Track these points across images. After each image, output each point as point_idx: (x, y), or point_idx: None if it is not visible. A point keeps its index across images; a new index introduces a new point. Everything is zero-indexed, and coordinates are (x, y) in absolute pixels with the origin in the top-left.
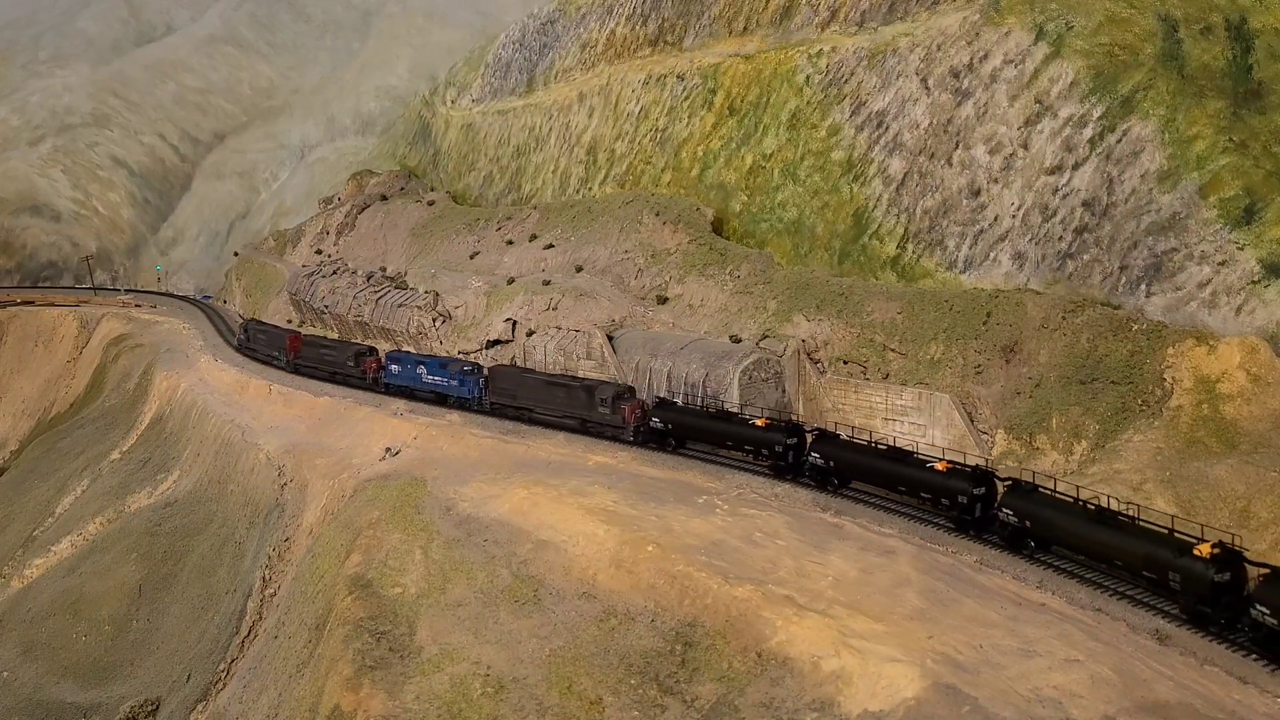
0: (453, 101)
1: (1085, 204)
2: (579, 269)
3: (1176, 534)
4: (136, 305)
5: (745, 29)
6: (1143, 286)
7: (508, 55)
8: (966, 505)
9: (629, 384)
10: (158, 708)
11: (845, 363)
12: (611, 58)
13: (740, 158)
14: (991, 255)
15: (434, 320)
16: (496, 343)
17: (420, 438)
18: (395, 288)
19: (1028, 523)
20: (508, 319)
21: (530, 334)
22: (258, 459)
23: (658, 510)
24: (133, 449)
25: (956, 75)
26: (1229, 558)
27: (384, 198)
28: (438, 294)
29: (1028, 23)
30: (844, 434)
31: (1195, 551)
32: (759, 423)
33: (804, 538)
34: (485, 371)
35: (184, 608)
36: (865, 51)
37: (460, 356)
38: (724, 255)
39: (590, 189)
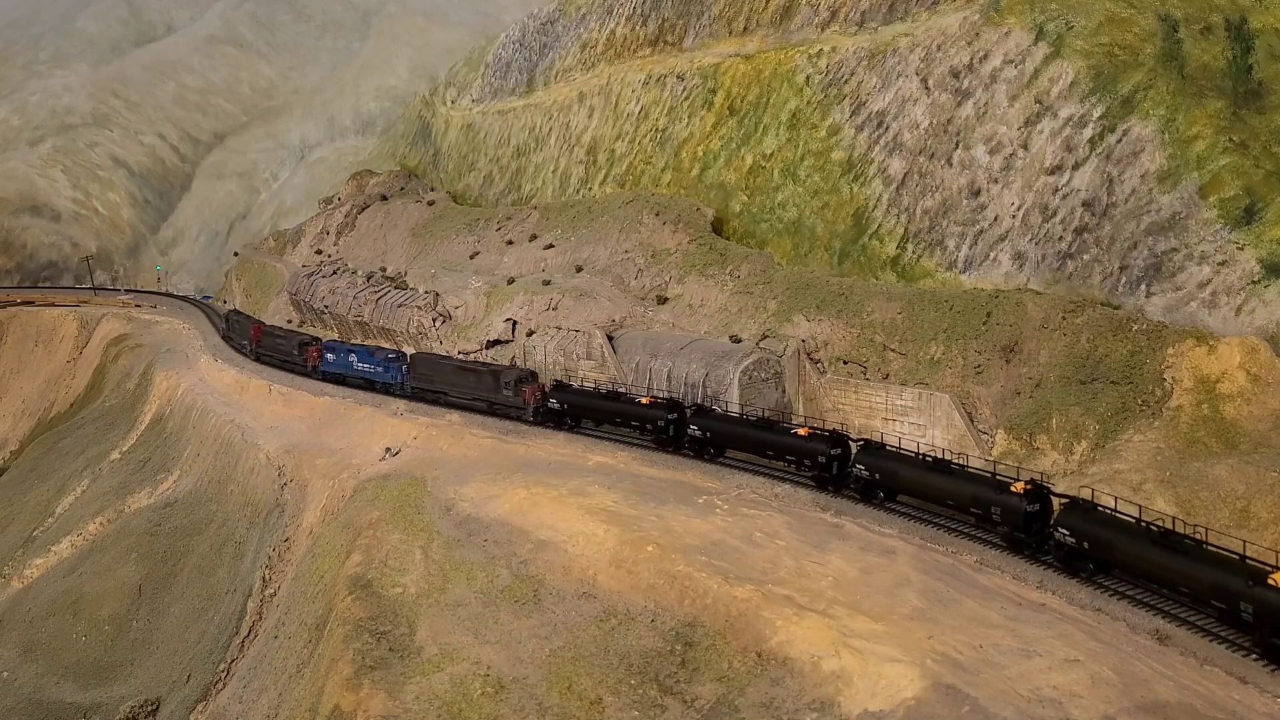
0: (453, 101)
1: (1085, 204)
2: (579, 269)
3: (999, 477)
4: (136, 305)
5: (745, 29)
6: (1143, 286)
7: (508, 55)
8: (825, 464)
9: (531, 370)
10: (158, 708)
11: (845, 363)
12: (611, 58)
13: (740, 158)
14: (991, 255)
15: (434, 320)
16: (496, 343)
17: (420, 438)
18: (395, 288)
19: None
20: (508, 319)
21: (530, 334)
22: (258, 459)
23: (658, 510)
24: (133, 449)
25: (956, 75)
26: (1038, 492)
27: (384, 198)
28: (438, 294)
29: (1028, 23)
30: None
31: (1012, 489)
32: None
33: (804, 538)
34: (408, 359)
35: (184, 608)
36: (865, 51)
37: (388, 346)
38: (724, 255)
39: (590, 189)
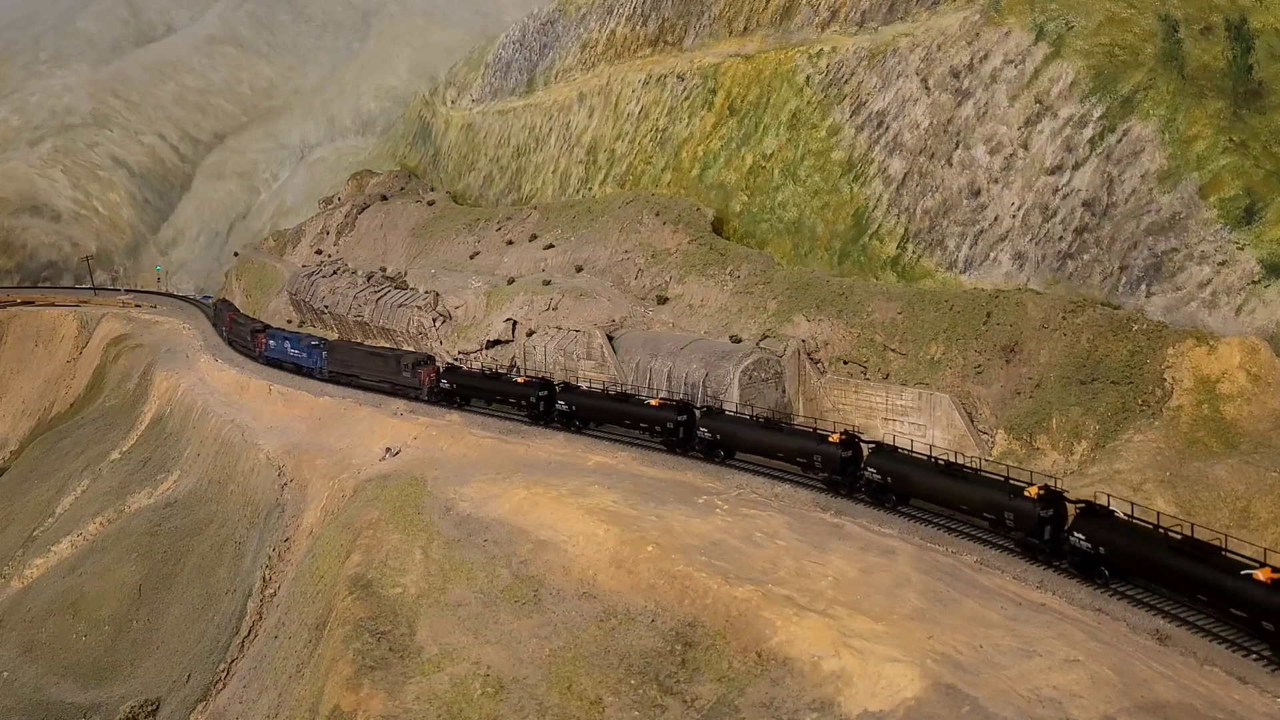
0: (453, 101)
1: (1085, 204)
2: (579, 269)
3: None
4: (136, 305)
5: (745, 29)
6: (1143, 286)
7: (508, 55)
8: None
9: (428, 354)
10: (158, 708)
11: (845, 363)
12: (611, 58)
13: (740, 158)
14: (991, 255)
15: (434, 320)
16: (496, 343)
17: (420, 438)
18: (395, 288)
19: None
20: (508, 319)
21: (530, 334)
22: (258, 459)
23: (658, 510)
24: (133, 449)
25: (956, 75)
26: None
27: (384, 198)
28: (438, 294)
29: (1028, 23)
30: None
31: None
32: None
33: (804, 538)
34: (327, 345)
35: (184, 608)
36: (865, 51)
37: (313, 334)
38: (724, 255)
39: (590, 189)
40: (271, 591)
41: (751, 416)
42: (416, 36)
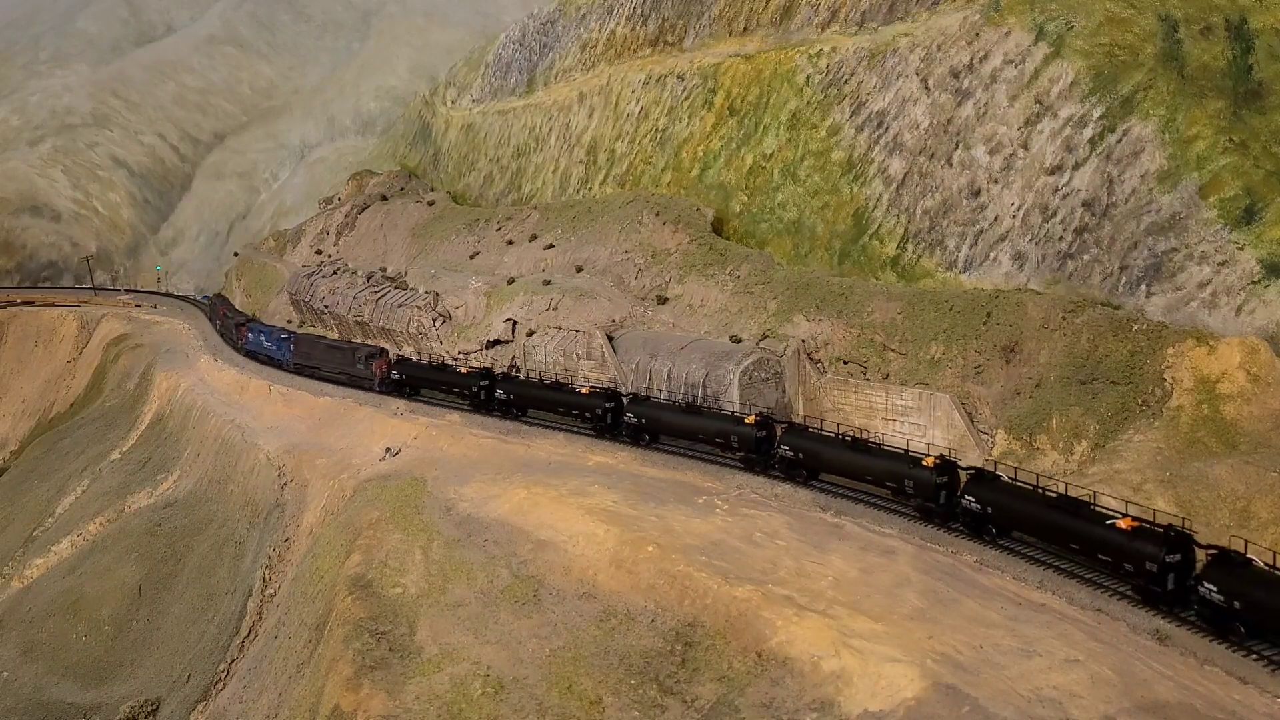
0: (453, 102)
1: (1085, 204)
2: (579, 269)
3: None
4: (136, 305)
5: (745, 29)
6: (1143, 286)
7: (508, 55)
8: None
9: (382, 348)
10: (158, 708)
11: (845, 363)
12: (611, 58)
13: (740, 158)
14: (991, 255)
15: (434, 320)
16: (496, 343)
17: (420, 438)
18: (395, 288)
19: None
20: (508, 319)
21: (530, 334)
22: (258, 459)
23: (658, 510)
24: (133, 449)
25: (956, 75)
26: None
27: (384, 198)
28: (438, 294)
29: (1028, 23)
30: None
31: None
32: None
33: (804, 538)
34: (294, 339)
35: (184, 608)
36: (865, 51)
37: (284, 325)
38: (724, 255)
39: (590, 189)
40: (271, 591)
41: (674, 402)
42: (416, 36)
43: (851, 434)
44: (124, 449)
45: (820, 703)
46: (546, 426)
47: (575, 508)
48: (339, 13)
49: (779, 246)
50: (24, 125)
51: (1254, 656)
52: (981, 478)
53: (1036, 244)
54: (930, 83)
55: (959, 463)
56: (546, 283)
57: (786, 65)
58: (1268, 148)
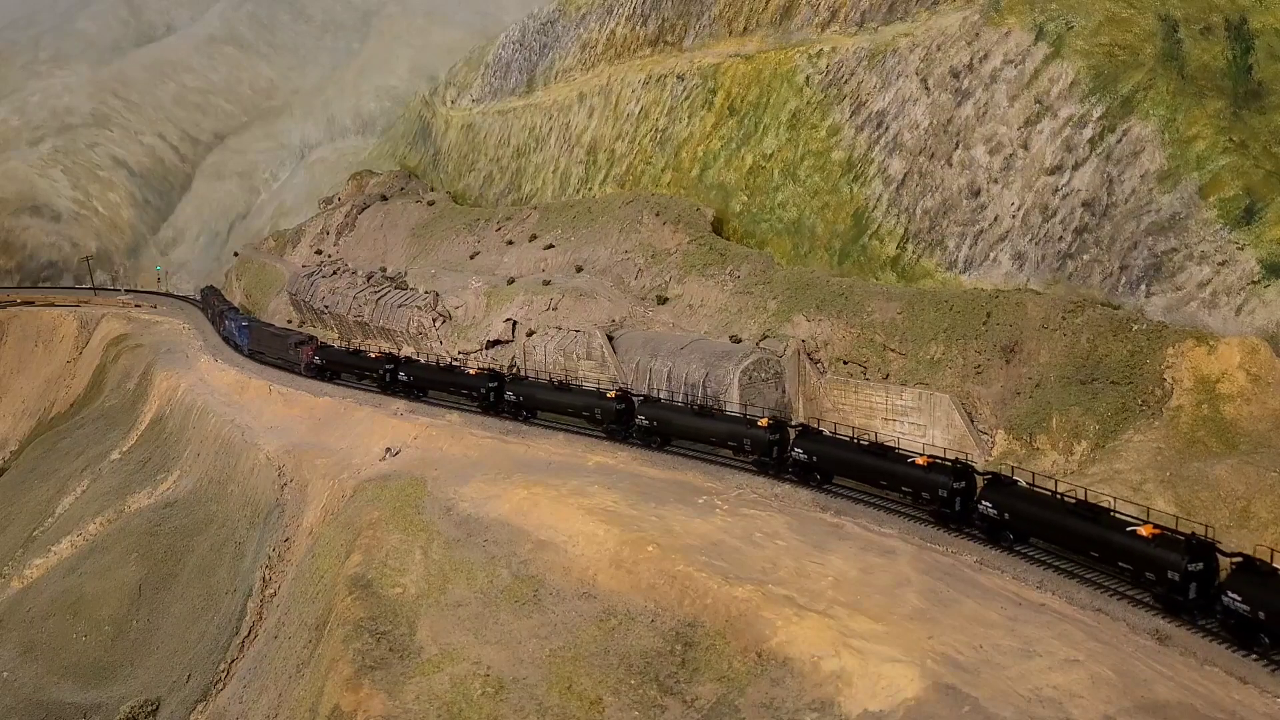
0: (453, 101)
1: (1085, 204)
2: (579, 269)
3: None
4: (136, 305)
5: (745, 29)
6: (1143, 286)
7: (508, 55)
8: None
9: (310, 335)
10: (158, 708)
11: (845, 363)
12: (611, 58)
13: (740, 158)
14: (991, 255)
15: (434, 320)
16: (496, 343)
17: (420, 438)
18: (395, 288)
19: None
20: (508, 319)
21: (530, 334)
22: (258, 459)
23: (658, 510)
24: (133, 449)
25: (956, 75)
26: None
27: (384, 198)
28: (438, 294)
29: (1028, 23)
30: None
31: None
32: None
33: (804, 538)
34: (252, 328)
35: (184, 608)
36: (865, 51)
37: (247, 311)
38: (724, 255)
39: (590, 189)
40: (271, 591)
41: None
42: (416, 36)
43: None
44: (124, 449)
45: (820, 703)
46: (547, 426)
47: (575, 508)
48: (339, 13)
49: (779, 246)
50: (24, 125)
51: (1253, 656)
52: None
53: (1036, 244)
54: (930, 83)
55: (787, 423)
56: (546, 283)
57: (786, 65)
58: (1268, 148)
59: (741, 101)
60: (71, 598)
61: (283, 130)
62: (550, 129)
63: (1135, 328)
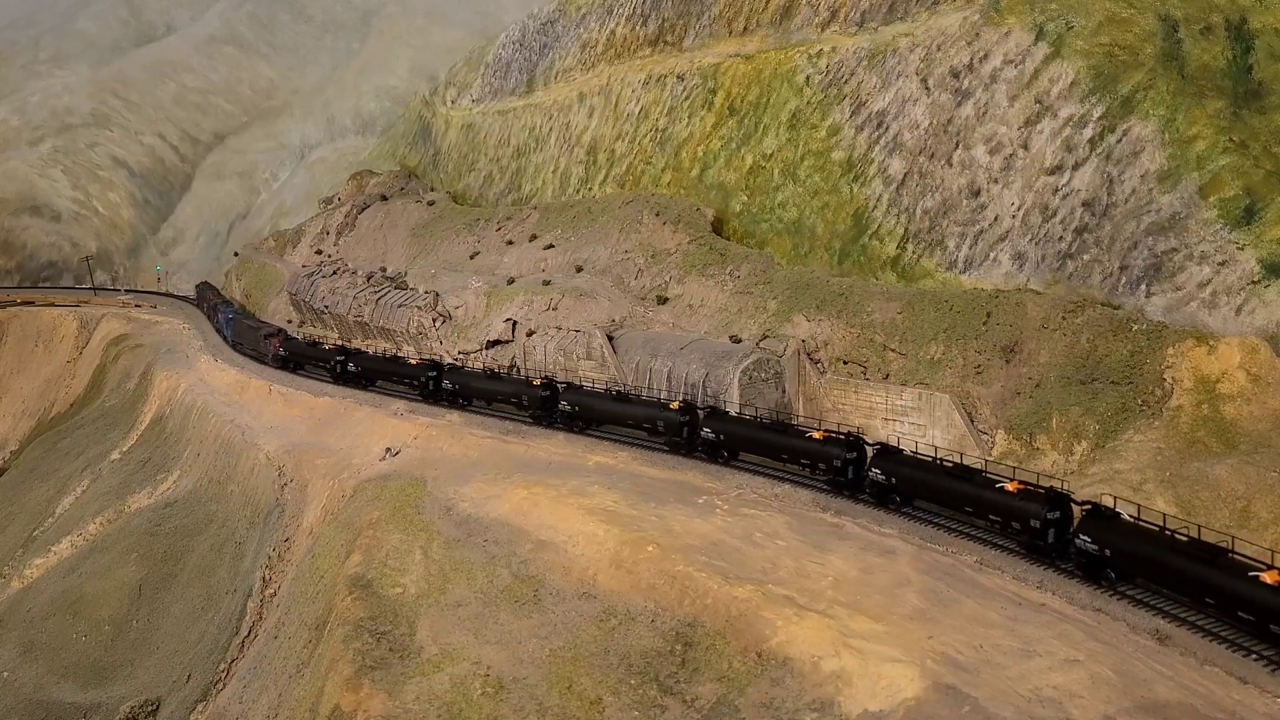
0: (453, 101)
1: (1085, 204)
2: (579, 269)
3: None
4: (136, 305)
5: (745, 29)
6: (1143, 286)
7: (508, 55)
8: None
9: (279, 327)
10: (158, 708)
11: (845, 363)
12: (611, 58)
13: (740, 158)
14: (991, 255)
15: (434, 320)
16: (496, 343)
17: (420, 438)
18: (395, 288)
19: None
20: (508, 319)
21: (530, 334)
22: (258, 459)
23: (658, 510)
24: (133, 449)
25: (956, 75)
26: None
27: (384, 198)
28: (438, 294)
29: (1028, 23)
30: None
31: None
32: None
33: (804, 538)
34: (235, 320)
35: (184, 608)
36: (865, 51)
37: (241, 306)
38: (724, 255)
39: (590, 189)
40: (271, 591)
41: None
42: (416, 36)
43: (616, 389)
44: (124, 449)
45: (820, 703)
46: (547, 426)
47: (575, 508)
48: (339, 13)
49: (779, 246)
50: (24, 125)
51: (1252, 656)
52: (714, 413)
53: (1036, 244)
54: (930, 83)
55: (696, 406)
56: (546, 283)
57: (786, 65)
58: (1268, 148)
59: (741, 101)
60: (71, 598)
61: (283, 130)
62: (550, 129)
63: (1135, 328)
